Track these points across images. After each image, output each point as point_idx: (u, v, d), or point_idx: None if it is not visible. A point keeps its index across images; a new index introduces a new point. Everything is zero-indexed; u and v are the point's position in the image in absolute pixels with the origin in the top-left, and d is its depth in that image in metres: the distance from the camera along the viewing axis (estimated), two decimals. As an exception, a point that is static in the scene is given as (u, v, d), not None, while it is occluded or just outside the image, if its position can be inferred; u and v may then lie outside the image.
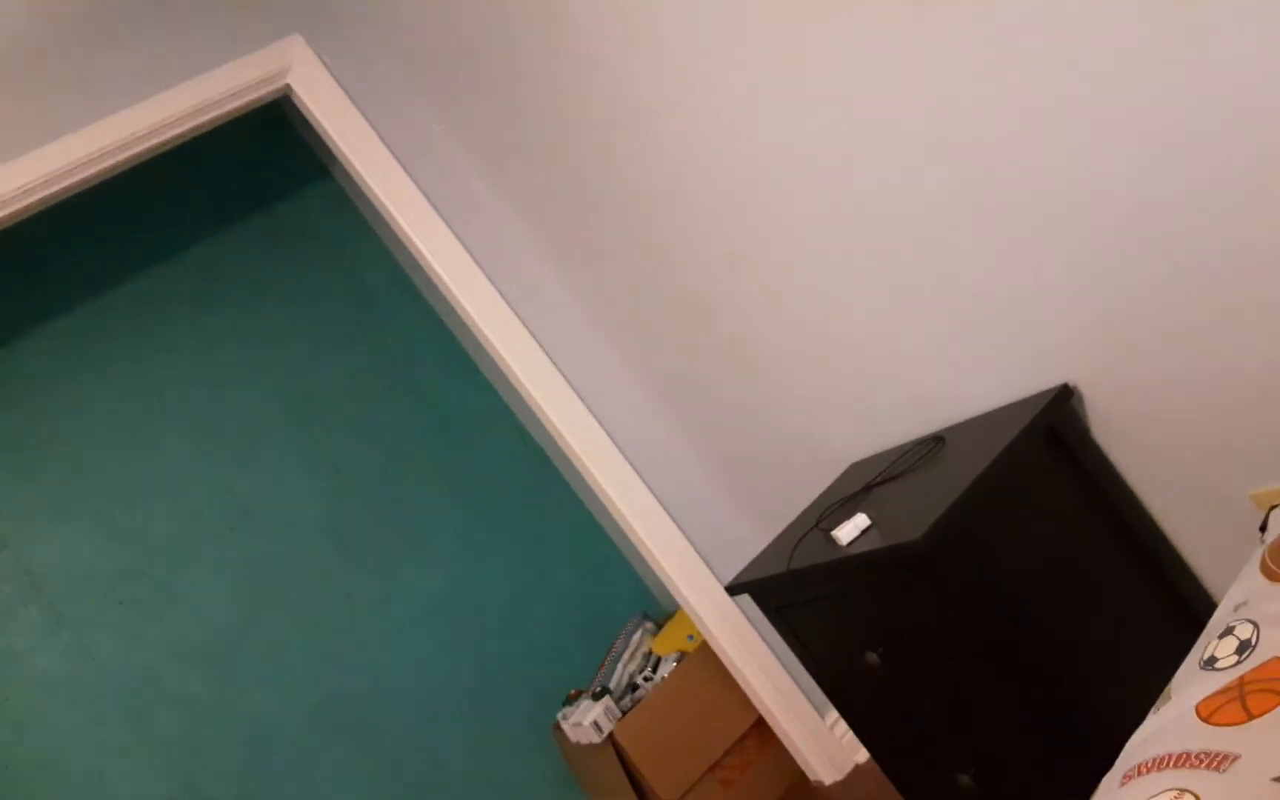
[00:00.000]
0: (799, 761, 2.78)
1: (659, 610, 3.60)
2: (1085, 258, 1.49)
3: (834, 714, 2.74)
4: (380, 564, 3.36)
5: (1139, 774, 0.95)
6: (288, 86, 2.57)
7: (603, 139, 2.22)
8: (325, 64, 2.59)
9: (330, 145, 2.62)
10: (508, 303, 2.66)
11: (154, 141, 2.43)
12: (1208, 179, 1.29)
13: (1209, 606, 1.65)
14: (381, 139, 2.61)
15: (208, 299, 3.34)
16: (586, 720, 2.94)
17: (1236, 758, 0.86)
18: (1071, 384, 1.65)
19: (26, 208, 2.33)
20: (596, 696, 3.03)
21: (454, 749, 3.30)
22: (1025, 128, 1.44)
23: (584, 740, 3.01)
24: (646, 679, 3.06)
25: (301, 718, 3.17)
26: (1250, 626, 1.01)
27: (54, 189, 2.33)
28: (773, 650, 2.70)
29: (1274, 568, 1.07)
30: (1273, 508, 1.22)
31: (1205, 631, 1.10)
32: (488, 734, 3.34)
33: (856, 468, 2.16)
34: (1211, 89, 1.22)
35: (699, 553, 2.70)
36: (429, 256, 2.62)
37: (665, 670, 3.01)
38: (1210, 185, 1.29)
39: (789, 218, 1.93)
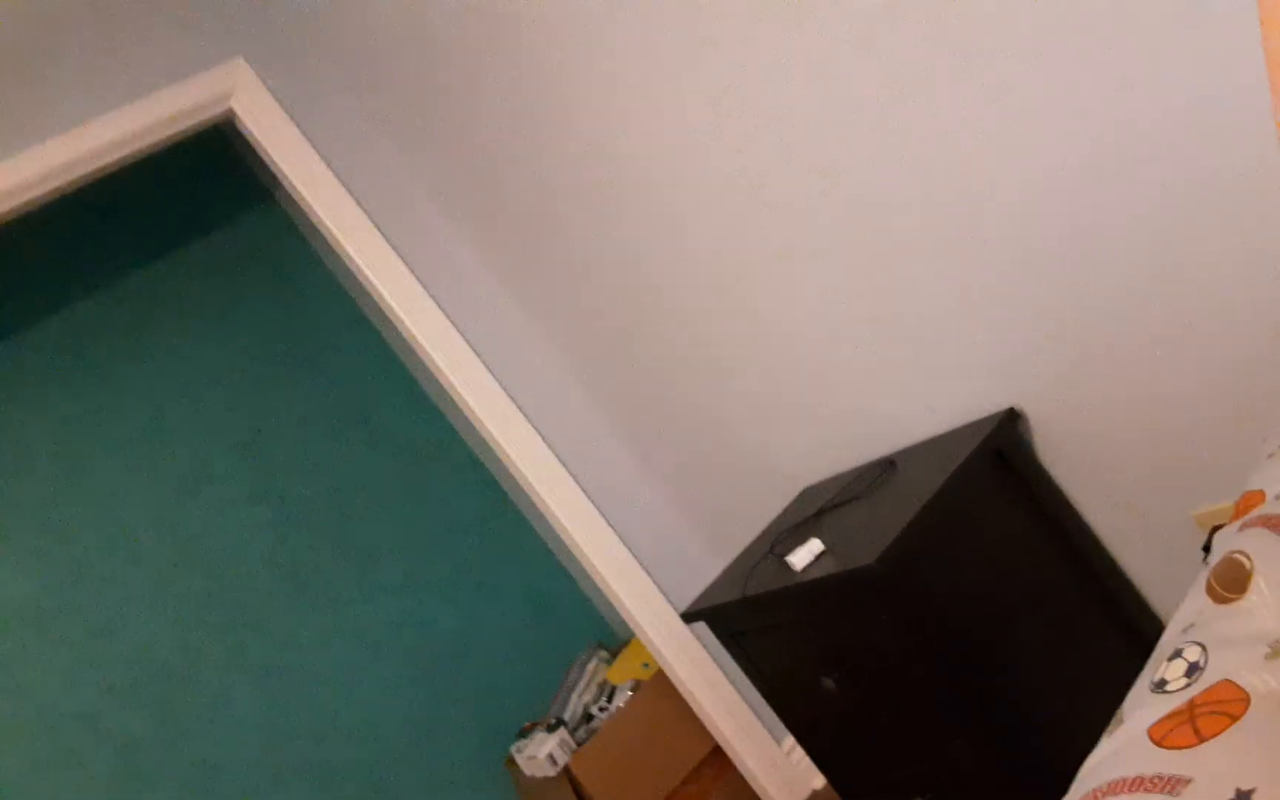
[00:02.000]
0: (756, 788, 2.77)
1: (614, 639, 3.57)
2: (1030, 285, 1.52)
3: (790, 739, 2.73)
4: (329, 598, 3.28)
5: (1094, 799, 0.95)
6: (230, 110, 2.52)
7: (560, 160, 2.21)
8: (269, 88, 2.55)
9: (274, 170, 2.58)
10: (456, 326, 2.63)
11: (92, 166, 2.36)
12: (1149, 208, 1.32)
13: (1157, 624, 1.67)
14: (327, 164, 2.57)
15: (148, 328, 3.26)
16: (541, 753, 2.90)
17: (1189, 781, 0.87)
18: (1018, 407, 1.67)
19: (-45, 235, 2.25)
20: (551, 728, 2.99)
21: (406, 786, 3.23)
22: (971, 158, 1.46)
23: (539, 773, 2.96)
24: (601, 709, 3.03)
25: (248, 758, 3.08)
26: (1198, 649, 1.02)
27: (-16, 216, 2.26)
28: (728, 677, 2.69)
29: (1219, 590, 1.08)
30: (1215, 528, 1.24)
31: (1154, 654, 1.11)
32: (441, 769, 3.28)
33: (810, 492, 2.16)
34: (1154, 120, 1.25)
35: (653, 580, 2.68)
36: (376, 283, 2.58)
37: (620, 700, 2.98)
38: (1151, 215, 1.32)
39: (741, 246, 1.93)
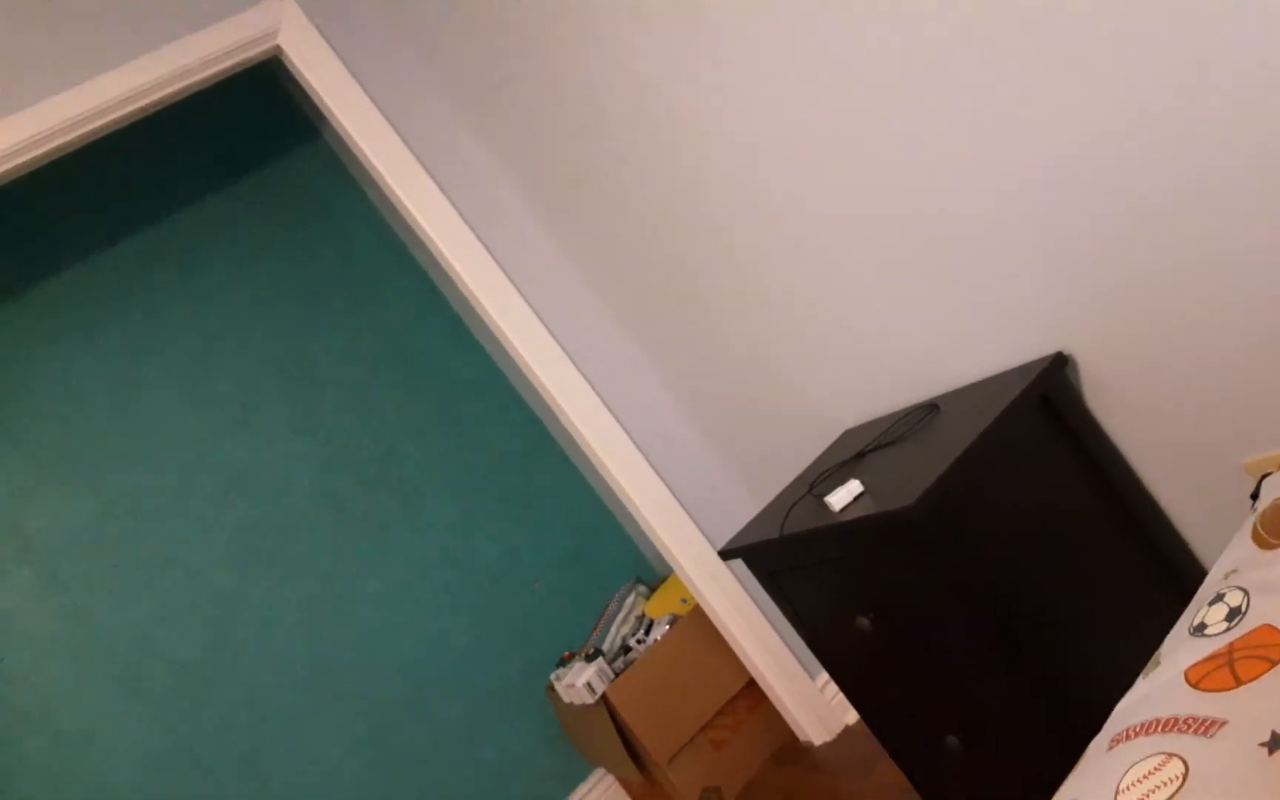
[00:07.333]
0: (789, 722, 2.82)
1: (652, 574, 3.62)
2: (1081, 226, 1.49)
3: (824, 676, 2.77)
4: (374, 529, 3.36)
5: (1127, 738, 0.96)
6: (278, 47, 2.53)
7: (600, 101, 2.20)
8: (315, 25, 2.55)
9: (321, 107, 2.59)
10: (500, 265, 2.65)
11: (141, 103, 2.39)
12: (1203, 151, 1.28)
13: (1199, 574, 1.66)
14: (373, 100, 2.58)
15: (197, 263, 3.32)
16: (580, 681, 2.97)
17: (1224, 723, 0.87)
18: (1066, 352, 1.65)
19: (10, 171, 2.30)
20: (590, 658, 3.05)
21: (448, 711, 3.33)
22: (1023, 97, 1.43)
23: (577, 701, 3.04)
24: (639, 642, 3.09)
25: (296, 680, 3.19)
26: (1240, 593, 1.02)
27: (38, 152, 2.30)
28: (764, 614, 2.73)
29: (1265, 536, 1.08)
30: (1265, 476, 1.23)
31: (1195, 598, 1.11)
32: (482, 696, 3.37)
33: (850, 434, 2.17)
34: (1209, 68, 1.21)
35: (692, 517, 2.71)
36: (420, 219, 2.60)
37: (658, 633, 3.03)
38: (1206, 157, 1.29)
39: (785, 185, 1.91)
